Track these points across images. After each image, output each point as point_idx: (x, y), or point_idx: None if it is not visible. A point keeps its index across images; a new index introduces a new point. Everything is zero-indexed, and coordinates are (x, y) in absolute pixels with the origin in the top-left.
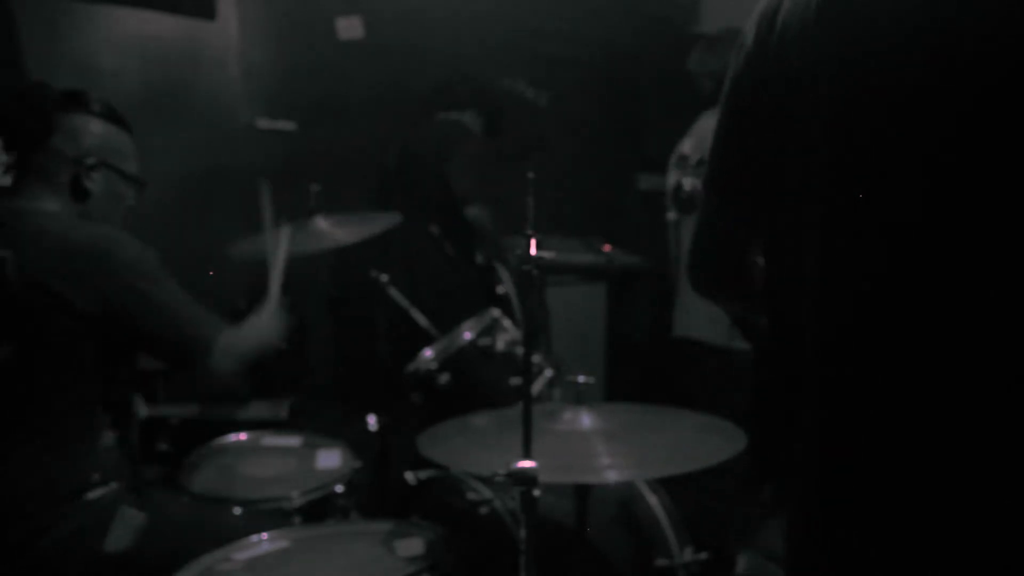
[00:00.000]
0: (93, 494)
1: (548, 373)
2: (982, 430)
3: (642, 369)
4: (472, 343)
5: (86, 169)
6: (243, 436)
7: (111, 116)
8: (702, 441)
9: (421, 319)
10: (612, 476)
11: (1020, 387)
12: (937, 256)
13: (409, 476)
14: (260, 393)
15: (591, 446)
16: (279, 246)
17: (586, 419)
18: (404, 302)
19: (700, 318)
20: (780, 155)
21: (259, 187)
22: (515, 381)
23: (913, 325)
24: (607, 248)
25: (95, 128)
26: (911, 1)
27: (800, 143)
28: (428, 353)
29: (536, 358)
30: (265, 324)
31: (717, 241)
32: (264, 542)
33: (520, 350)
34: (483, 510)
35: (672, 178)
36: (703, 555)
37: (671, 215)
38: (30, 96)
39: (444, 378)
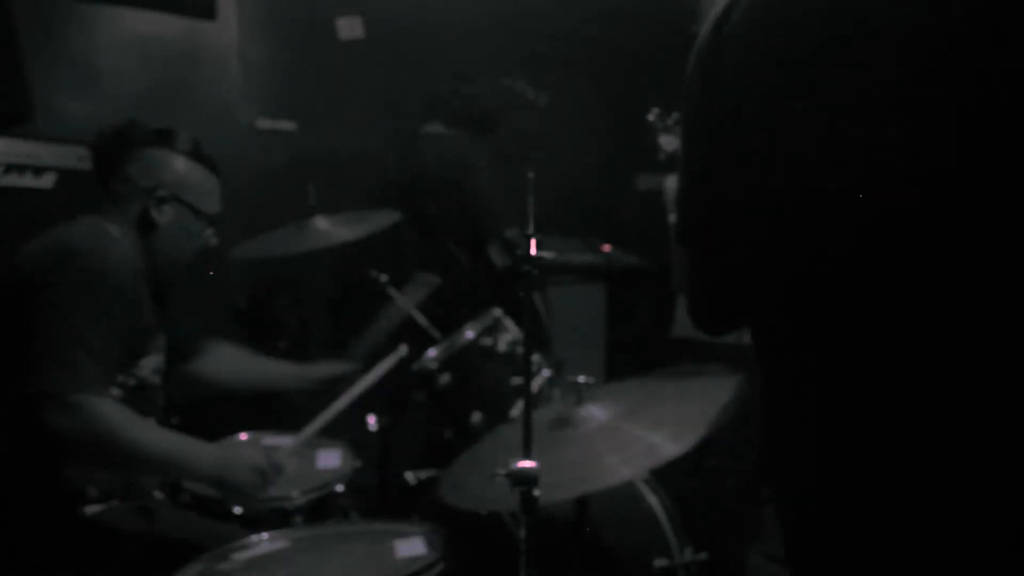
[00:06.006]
0: (91, 510)
1: (546, 372)
2: (969, 425)
3: (642, 369)
4: (474, 343)
5: (156, 201)
6: (243, 436)
7: (194, 154)
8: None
9: (421, 319)
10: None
11: (1005, 385)
12: (917, 258)
13: (409, 476)
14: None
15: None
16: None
17: (596, 412)
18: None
19: None
20: (749, 183)
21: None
22: (516, 381)
23: (897, 326)
24: (607, 248)
25: (174, 164)
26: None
27: (768, 161)
28: (431, 353)
29: (537, 358)
30: (204, 453)
31: (713, 290)
32: (264, 542)
33: (521, 350)
34: (483, 510)
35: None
36: (703, 555)
37: (672, 217)
38: (117, 129)
39: (445, 378)
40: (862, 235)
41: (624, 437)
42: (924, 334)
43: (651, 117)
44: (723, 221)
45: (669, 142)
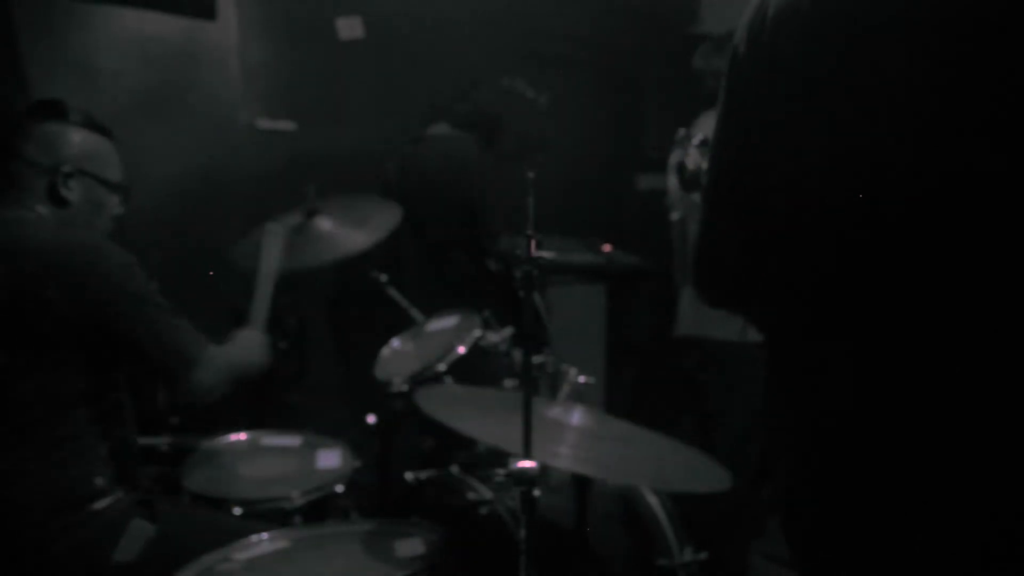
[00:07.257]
0: (100, 503)
1: (583, 379)
2: (973, 427)
3: (642, 369)
4: (476, 343)
5: (62, 177)
6: (243, 436)
7: (89, 124)
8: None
9: (421, 319)
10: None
11: (1007, 386)
12: (934, 253)
13: (409, 476)
14: (260, 393)
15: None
16: (269, 265)
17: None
18: (404, 302)
19: (711, 314)
20: (778, 161)
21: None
22: (509, 382)
23: (910, 323)
24: (607, 248)
25: (72, 136)
26: None
27: (797, 139)
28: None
29: (538, 358)
30: (251, 341)
31: (723, 258)
32: (264, 542)
33: (512, 349)
34: (483, 510)
35: (674, 158)
36: (703, 555)
37: (674, 215)
38: (2, 111)
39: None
40: (884, 230)
41: None
42: (938, 331)
43: (678, 136)
44: (747, 183)
45: (693, 161)
